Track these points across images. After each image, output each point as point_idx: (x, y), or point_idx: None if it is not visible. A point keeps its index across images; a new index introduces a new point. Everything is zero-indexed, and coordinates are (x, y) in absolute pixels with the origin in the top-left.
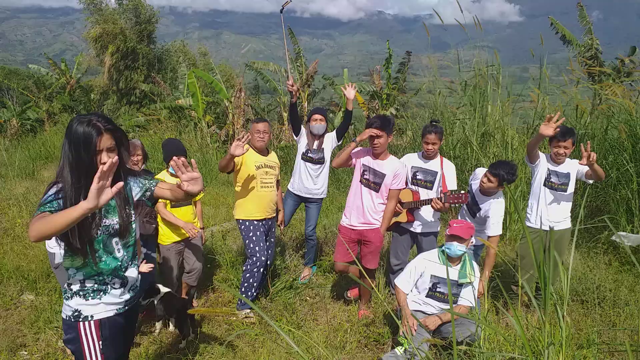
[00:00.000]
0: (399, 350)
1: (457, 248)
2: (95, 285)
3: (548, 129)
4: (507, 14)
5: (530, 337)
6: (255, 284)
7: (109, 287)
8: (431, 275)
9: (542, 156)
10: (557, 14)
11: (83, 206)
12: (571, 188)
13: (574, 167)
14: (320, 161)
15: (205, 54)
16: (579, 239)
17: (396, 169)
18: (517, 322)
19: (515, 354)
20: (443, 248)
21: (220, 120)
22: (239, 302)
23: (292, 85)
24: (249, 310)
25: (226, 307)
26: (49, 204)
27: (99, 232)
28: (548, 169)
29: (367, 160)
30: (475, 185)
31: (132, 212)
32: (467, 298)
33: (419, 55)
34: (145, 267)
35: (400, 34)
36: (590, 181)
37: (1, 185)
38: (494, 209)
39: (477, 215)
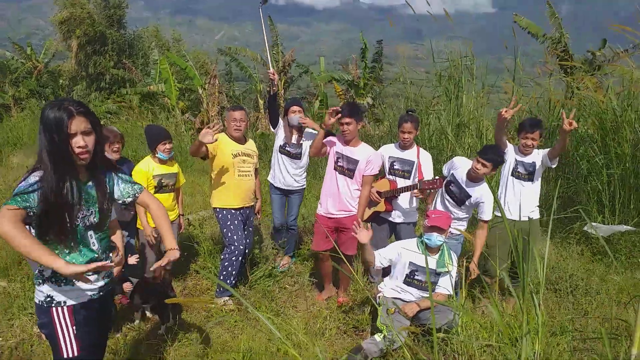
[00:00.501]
0: (378, 336)
1: (436, 239)
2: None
3: (507, 113)
4: (479, 4)
5: (505, 324)
6: (234, 272)
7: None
8: (409, 262)
9: (510, 147)
10: (529, 6)
11: (56, 264)
12: (537, 178)
13: (538, 157)
14: (297, 156)
15: (179, 40)
16: (553, 228)
17: (368, 155)
18: (496, 311)
19: (492, 342)
20: (423, 239)
21: (195, 108)
22: (217, 290)
23: (273, 74)
24: (227, 298)
25: (204, 294)
26: (24, 196)
27: (77, 222)
28: (515, 159)
29: (340, 148)
30: (460, 174)
31: (111, 206)
32: (445, 286)
33: (394, 44)
34: (133, 259)
35: (375, 23)
36: (554, 165)
37: None
38: (487, 193)
39: (467, 202)
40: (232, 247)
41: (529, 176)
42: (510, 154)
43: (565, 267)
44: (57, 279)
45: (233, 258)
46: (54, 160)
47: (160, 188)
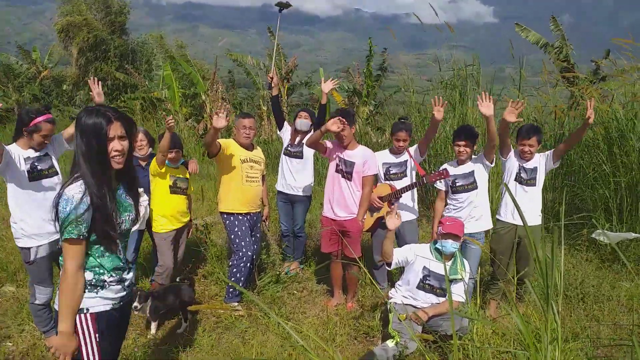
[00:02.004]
0: (390, 342)
1: (451, 246)
2: (93, 280)
3: (511, 115)
4: (482, 14)
5: (526, 331)
6: (242, 279)
7: (107, 283)
8: (423, 266)
9: (512, 152)
10: (529, 18)
11: (60, 328)
12: (540, 182)
13: (540, 160)
14: (297, 155)
15: (182, 47)
16: (560, 236)
17: (365, 156)
18: (520, 319)
19: (510, 349)
20: (437, 245)
21: (198, 114)
22: (226, 296)
23: (271, 77)
24: (236, 304)
25: (213, 300)
26: (80, 227)
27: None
28: (518, 165)
29: (339, 152)
30: (451, 169)
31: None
32: (458, 293)
33: (397, 53)
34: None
35: (377, 32)
36: (556, 165)
37: None
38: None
39: (474, 176)
40: (240, 253)
41: (532, 181)
42: (513, 160)
43: (575, 274)
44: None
45: (241, 264)
46: (92, 166)
47: (175, 189)
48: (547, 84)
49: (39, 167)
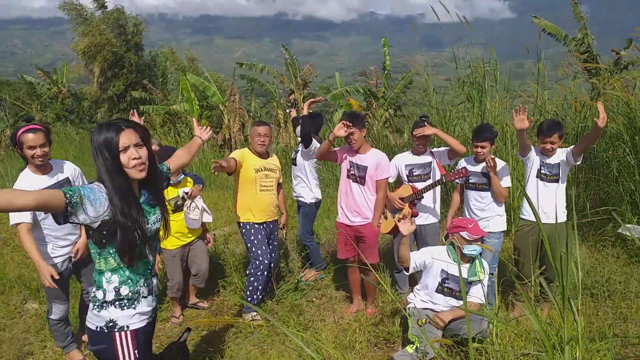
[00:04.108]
0: (410, 348)
1: (478, 248)
2: (130, 294)
3: (522, 123)
4: (497, 10)
5: (544, 332)
6: (260, 287)
7: (140, 295)
8: (441, 269)
9: (533, 149)
10: (546, 9)
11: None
12: (564, 180)
13: (562, 156)
14: (293, 162)
15: (193, 60)
16: (586, 232)
17: (377, 160)
18: (535, 319)
19: (531, 351)
20: (466, 252)
21: (216, 125)
22: (245, 305)
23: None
24: (255, 313)
25: (232, 310)
26: (73, 198)
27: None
28: (540, 161)
29: (351, 157)
30: (477, 167)
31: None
32: (477, 295)
33: (414, 54)
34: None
35: (392, 34)
36: (578, 162)
37: None
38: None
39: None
40: (257, 262)
41: (554, 177)
42: (534, 156)
43: (601, 271)
44: (120, 303)
45: (259, 273)
46: (113, 181)
47: (178, 208)
48: (567, 76)
49: None
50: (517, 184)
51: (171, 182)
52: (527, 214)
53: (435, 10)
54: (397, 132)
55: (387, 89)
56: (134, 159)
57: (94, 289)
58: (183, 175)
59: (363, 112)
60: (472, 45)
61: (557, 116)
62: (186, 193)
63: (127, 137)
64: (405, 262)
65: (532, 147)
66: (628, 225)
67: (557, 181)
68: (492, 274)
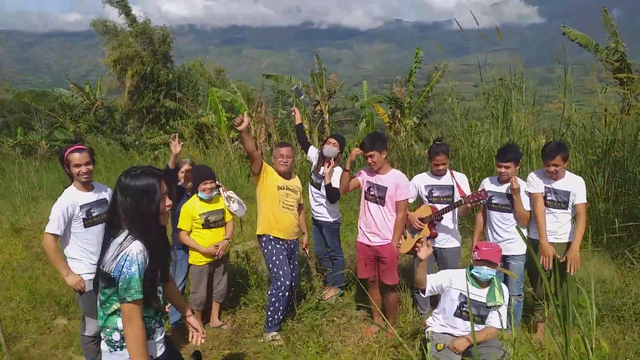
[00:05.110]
0: None
1: (487, 272)
2: (147, 329)
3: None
4: (526, 16)
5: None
6: (281, 308)
7: (155, 328)
8: (460, 293)
9: (532, 176)
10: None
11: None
12: (570, 207)
13: (574, 187)
14: (317, 185)
15: (220, 71)
16: (615, 249)
17: (397, 181)
18: (531, 345)
19: None
20: (472, 272)
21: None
22: (266, 325)
23: (295, 112)
24: (275, 333)
25: (253, 328)
26: (138, 291)
27: None
28: (545, 187)
29: (370, 177)
30: (489, 187)
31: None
32: (496, 320)
33: (440, 61)
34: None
35: (419, 41)
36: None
37: (32, 209)
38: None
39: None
40: (279, 283)
41: (562, 205)
42: (538, 183)
43: (629, 292)
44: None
45: (280, 294)
46: (143, 228)
47: (207, 225)
48: (597, 88)
49: (94, 214)
50: None
51: (204, 197)
52: (534, 235)
53: (459, 20)
54: (422, 141)
55: (412, 96)
56: (167, 206)
57: (107, 331)
58: (215, 192)
59: (387, 126)
60: (500, 51)
61: (585, 129)
62: (219, 186)
63: (164, 187)
64: (421, 285)
65: (531, 173)
66: None
67: (565, 208)
68: (519, 295)
